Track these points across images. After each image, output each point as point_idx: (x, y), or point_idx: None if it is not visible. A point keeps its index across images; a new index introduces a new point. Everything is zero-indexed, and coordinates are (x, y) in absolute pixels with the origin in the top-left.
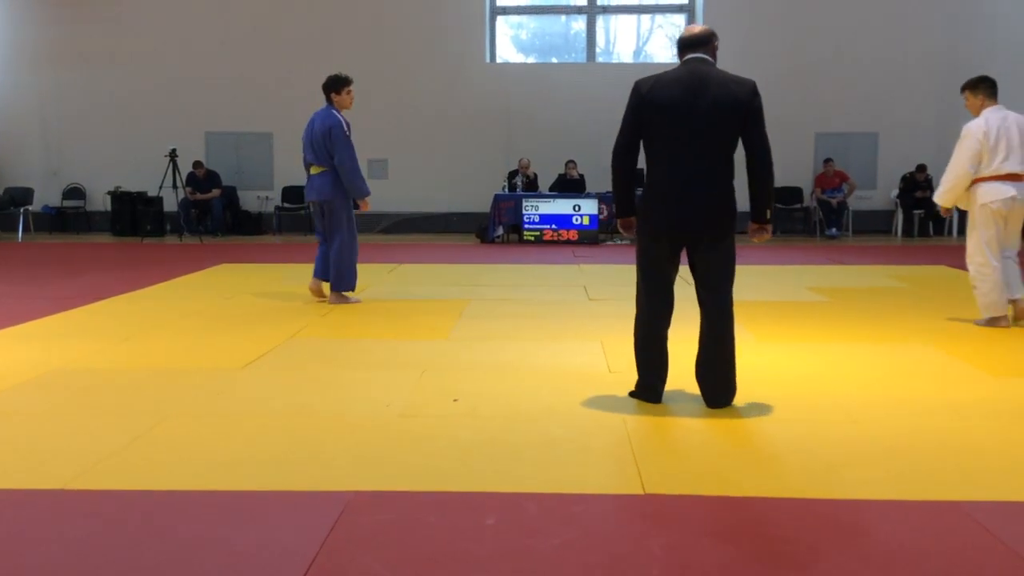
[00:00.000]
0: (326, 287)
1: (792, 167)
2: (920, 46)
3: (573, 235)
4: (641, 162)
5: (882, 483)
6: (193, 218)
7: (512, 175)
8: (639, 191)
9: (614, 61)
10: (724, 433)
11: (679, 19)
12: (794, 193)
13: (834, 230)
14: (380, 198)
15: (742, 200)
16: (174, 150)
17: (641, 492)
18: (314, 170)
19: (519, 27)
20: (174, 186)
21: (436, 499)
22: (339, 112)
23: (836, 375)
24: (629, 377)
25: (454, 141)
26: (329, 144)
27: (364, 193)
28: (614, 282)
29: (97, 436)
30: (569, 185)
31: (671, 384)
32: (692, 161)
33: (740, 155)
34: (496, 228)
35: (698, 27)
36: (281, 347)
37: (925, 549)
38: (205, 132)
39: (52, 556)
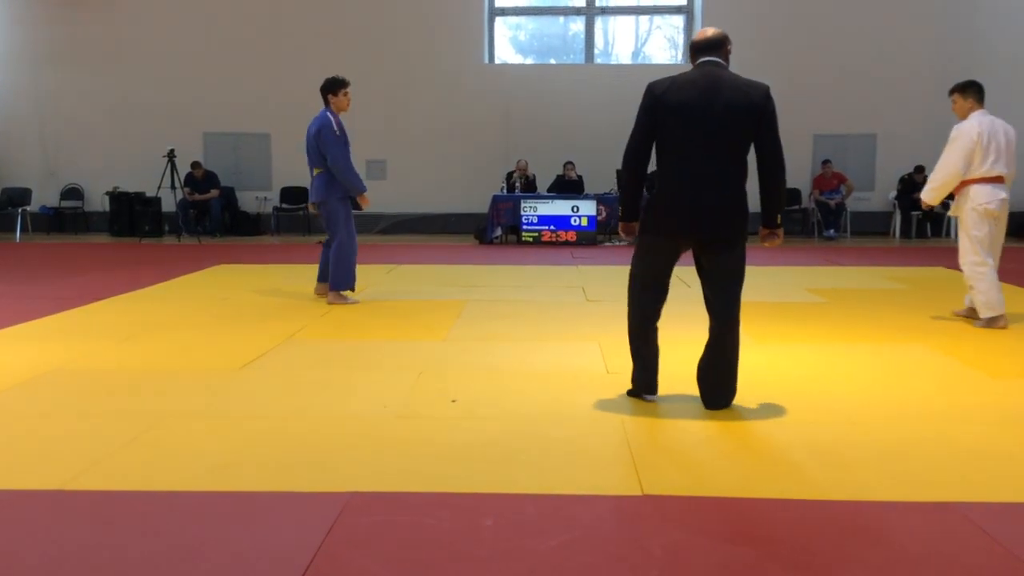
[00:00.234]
0: None
1: (790, 168)
2: (918, 47)
3: (571, 236)
4: (651, 164)
5: (880, 484)
6: (191, 219)
7: (510, 176)
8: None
9: (612, 62)
10: (722, 434)
11: (678, 20)
12: (792, 194)
13: (832, 231)
14: (378, 199)
15: (753, 204)
16: (172, 151)
17: (639, 493)
18: (315, 172)
19: (517, 28)
20: (172, 187)
21: (434, 500)
22: (333, 114)
23: (834, 376)
24: (627, 378)
25: (452, 142)
26: (321, 145)
27: (360, 189)
28: (612, 283)
29: (95, 436)
30: (567, 186)
31: (671, 386)
32: (704, 163)
33: (751, 158)
34: (494, 229)
35: (711, 30)
36: (279, 348)
37: (923, 550)
38: (203, 133)
39: (51, 556)
